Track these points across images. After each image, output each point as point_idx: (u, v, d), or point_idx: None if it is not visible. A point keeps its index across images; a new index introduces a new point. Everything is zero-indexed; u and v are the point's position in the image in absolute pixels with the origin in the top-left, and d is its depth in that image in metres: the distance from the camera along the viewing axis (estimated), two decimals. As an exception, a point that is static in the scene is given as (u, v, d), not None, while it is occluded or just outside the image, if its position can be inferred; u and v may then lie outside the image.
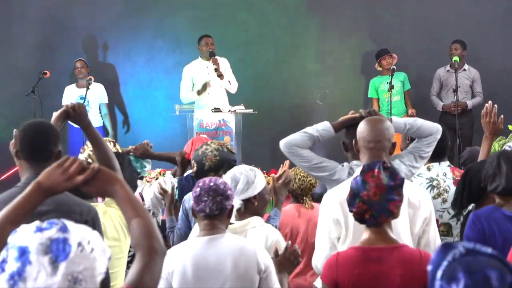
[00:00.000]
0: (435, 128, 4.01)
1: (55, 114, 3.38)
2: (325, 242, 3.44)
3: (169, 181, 4.83)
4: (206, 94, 8.71)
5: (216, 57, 8.67)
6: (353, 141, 3.60)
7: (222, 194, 3.30)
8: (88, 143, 4.99)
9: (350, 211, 2.98)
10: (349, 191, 2.97)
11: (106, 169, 2.17)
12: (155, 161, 5.68)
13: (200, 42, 8.91)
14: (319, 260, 3.46)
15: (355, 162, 4.04)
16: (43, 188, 2.12)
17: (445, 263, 1.79)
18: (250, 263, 3.23)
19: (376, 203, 2.88)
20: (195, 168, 4.45)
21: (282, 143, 4.00)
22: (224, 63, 8.79)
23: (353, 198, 2.93)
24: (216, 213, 3.28)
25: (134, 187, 4.22)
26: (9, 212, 2.10)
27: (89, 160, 4.81)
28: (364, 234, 2.98)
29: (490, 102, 4.55)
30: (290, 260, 3.35)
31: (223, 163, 4.43)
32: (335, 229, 3.40)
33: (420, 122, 4.01)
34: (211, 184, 3.31)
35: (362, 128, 3.58)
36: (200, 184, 3.33)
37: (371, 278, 2.92)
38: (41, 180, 2.13)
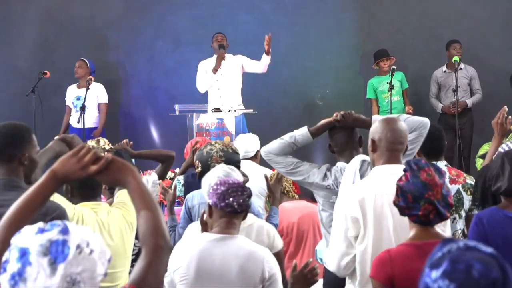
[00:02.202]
0: (420, 123, 4.00)
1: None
2: (341, 240, 3.41)
3: (152, 179, 4.83)
4: (218, 98, 8.76)
5: (226, 54, 8.78)
6: (370, 140, 3.57)
7: (249, 194, 3.35)
8: (90, 141, 5.02)
9: (411, 215, 2.90)
10: (404, 196, 2.89)
11: (120, 159, 2.21)
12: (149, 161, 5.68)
13: (212, 40, 8.97)
14: (334, 258, 3.44)
15: (339, 164, 4.09)
16: (58, 176, 2.16)
17: (439, 254, 1.81)
18: (255, 270, 3.24)
19: (440, 201, 2.86)
20: (199, 169, 4.45)
21: (261, 151, 4.21)
22: (238, 60, 8.87)
23: (416, 202, 2.86)
24: (242, 209, 3.31)
25: None
26: (25, 202, 2.13)
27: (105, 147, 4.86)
28: (411, 232, 2.95)
29: (505, 106, 4.61)
30: (306, 278, 3.30)
31: (229, 164, 4.43)
32: (353, 227, 3.37)
33: (403, 118, 4.00)
34: (237, 182, 3.37)
35: (383, 128, 3.53)
36: (224, 181, 3.35)
37: None
38: (56, 168, 2.17)
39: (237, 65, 8.87)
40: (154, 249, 2.05)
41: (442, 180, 2.89)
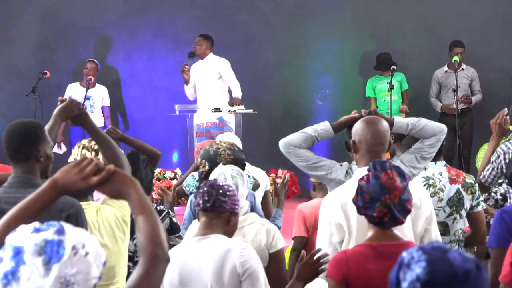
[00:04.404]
0: (439, 129, 4.00)
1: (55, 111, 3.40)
2: (326, 246, 3.40)
3: None
4: (199, 99, 8.79)
5: (212, 54, 8.88)
6: (351, 142, 3.58)
7: (219, 189, 3.29)
8: (83, 140, 5.01)
9: (366, 214, 2.91)
10: (362, 196, 2.90)
11: (122, 171, 2.19)
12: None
13: None
14: None
15: None
16: (59, 186, 2.14)
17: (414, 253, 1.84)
18: (229, 266, 3.20)
19: (397, 205, 2.86)
20: (207, 167, 4.41)
21: (281, 143, 4.04)
22: (218, 64, 8.85)
23: (372, 202, 2.87)
24: (209, 205, 3.26)
25: (149, 189, 4.20)
26: (22, 208, 2.12)
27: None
28: (369, 232, 2.95)
29: (505, 109, 4.62)
30: (312, 267, 3.24)
31: (237, 163, 4.42)
32: (337, 233, 3.37)
33: (423, 122, 3.99)
34: (213, 180, 3.36)
35: (363, 130, 3.53)
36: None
37: (385, 274, 2.89)
38: (57, 177, 2.16)
39: (215, 68, 8.85)
40: (151, 258, 2.04)
41: (403, 184, 2.89)
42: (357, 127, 3.57)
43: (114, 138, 5.00)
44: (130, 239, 3.92)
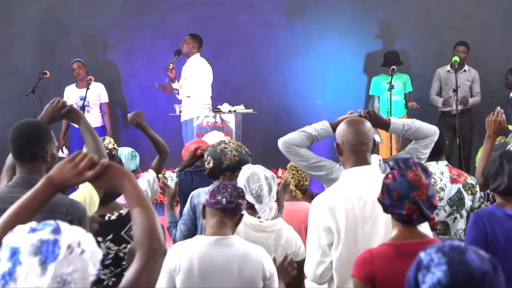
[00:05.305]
0: (433, 130, 4.04)
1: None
2: (315, 249, 3.42)
3: (153, 177, 4.82)
4: (187, 98, 8.78)
5: (198, 54, 8.86)
6: (335, 144, 3.57)
7: (240, 193, 3.34)
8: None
9: (394, 213, 2.89)
10: (389, 194, 2.88)
11: (116, 164, 2.20)
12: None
13: None
14: (310, 267, 3.45)
15: None
16: (54, 182, 2.15)
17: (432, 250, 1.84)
18: (256, 269, 3.25)
19: (425, 202, 2.85)
20: (211, 165, 4.41)
21: (280, 142, 4.04)
22: (198, 66, 8.82)
23: (400, 200, 2.85)
24: (231, 207, 3.29)
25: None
26: (19, 208, 2.13)
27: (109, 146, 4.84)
28: (393, 231, 2.93)
29: (498, 107, 4.61)
30: (287, 270, 3.37)
31: (241, 164, 4.41)
32: (325, 236, 3.37)
33: (418, 123, 4.02)
34: (230, 183, 3.38)
35: (345, 131, 3.53)
36: (219, 182, 3.39)
37: None
38: (52, 174, 2.16)
39: (196, 70, 8.82)
40: (148, 252, 2.04)
41: (428, 180, 2.88)
42: (340, 129, 3.57)
43: (137, 126, 5.06)
44: (102, 242, 3.87)
